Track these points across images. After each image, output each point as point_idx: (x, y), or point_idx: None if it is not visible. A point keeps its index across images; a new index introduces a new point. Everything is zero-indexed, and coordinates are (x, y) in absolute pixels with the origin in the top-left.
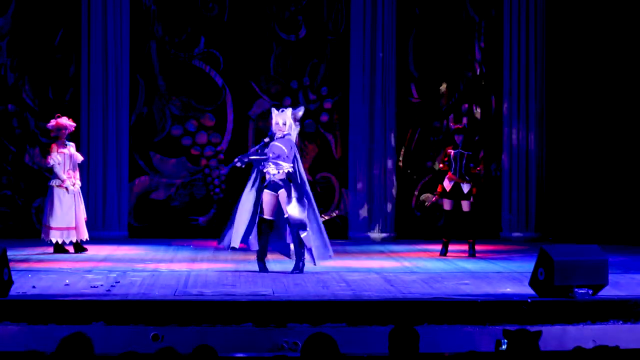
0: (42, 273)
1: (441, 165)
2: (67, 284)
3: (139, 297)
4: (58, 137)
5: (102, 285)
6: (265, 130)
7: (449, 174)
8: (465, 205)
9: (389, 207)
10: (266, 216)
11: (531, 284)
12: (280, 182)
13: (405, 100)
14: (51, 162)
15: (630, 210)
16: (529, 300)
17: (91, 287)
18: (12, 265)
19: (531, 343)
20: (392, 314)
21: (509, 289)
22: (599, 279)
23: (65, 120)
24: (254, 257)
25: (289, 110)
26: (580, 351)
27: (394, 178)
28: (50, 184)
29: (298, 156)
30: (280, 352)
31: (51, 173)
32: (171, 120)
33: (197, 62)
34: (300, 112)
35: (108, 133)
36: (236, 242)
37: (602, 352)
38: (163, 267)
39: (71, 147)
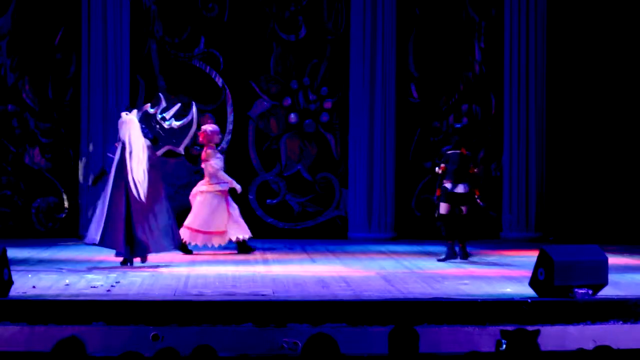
0: (42, 273)
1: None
2: (67, 284)
3: (139, 297)
4: (210, 142)
5: (102, 285)
6: (265, 131)
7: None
8: (463, 208)
9: (389, 207)
10: None
11: (531, 284)
12: None
13: (405, 100)
14: (216, 167)
15: (630, 210)
16: (529, 300)
17: (91, 287)
18: (11, 265)
19: (530, 342)
20: (392, 314)
21: (509, 289)
22: (599, 279)
23: (217, 126)
24: (253, 257)
25: (124, 115)
26: (581, 352)
27: (394, 178)
28: (213, 189)
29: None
30: (280, 352)
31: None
32: None
33: (197, 62)
34: (142, 110)
35: (108, 133)
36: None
37: (602, 353)
38: (163, 267)
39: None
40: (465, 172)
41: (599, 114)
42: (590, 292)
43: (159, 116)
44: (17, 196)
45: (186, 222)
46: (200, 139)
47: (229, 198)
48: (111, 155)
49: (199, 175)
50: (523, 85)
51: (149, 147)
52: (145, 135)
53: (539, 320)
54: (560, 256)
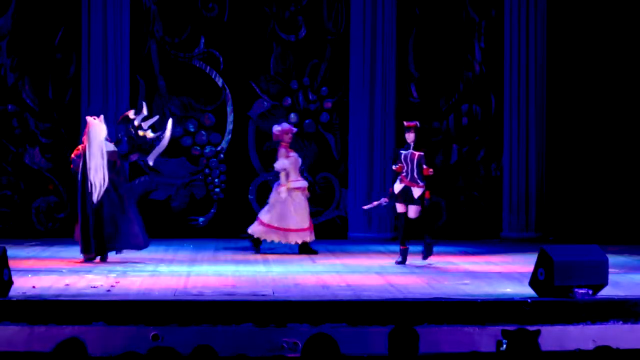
0: (42, 273)
1: (397, 166)
2: (67, 284)
3: (139, 297)
4: (282, 141)
5: (102, 285)
6: (265, 131)
7: (402, 176)
8: (412, 211)
9: (389, 207)
10: None
11: (531, 284)
12: None
13: (405, 100)
14: (278, 167)
15: (630, 210)
16: (529, 300)
17: (91, 287)
18: (11, 265)
19: (531, 342)
20: (392, 314)
21: (509, 289)
22: (599, 279)
23: (288, 125)
24: (254, 257)
25: (89, 119)
26: (581, 353)
27: (394, 178)
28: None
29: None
30: (280, 352)
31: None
32: None
33: (197, 62)
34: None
35: (108, 134)
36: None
37: (602, 353)
38: (163, 267)
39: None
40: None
41: (599, 114)
42: (590, 292)
43: (136, 123)
44: (17, 196)
45: (263, 219)
46: (273, 138)
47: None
48: (76, 158)
49: (201, 175)
50: (523, 85)
51: (112, 152)
52: (119, 140)
53: (539, 320)
54: (560, 256)
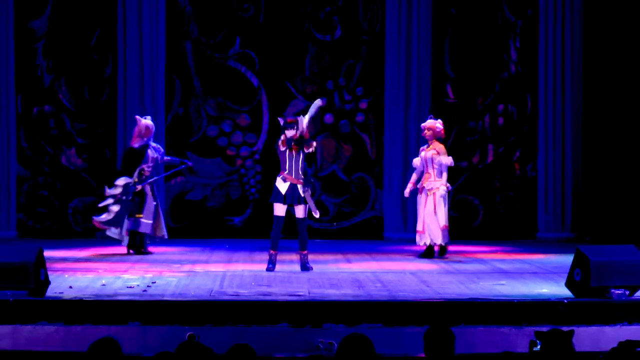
0: (79, 273)
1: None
2: (103, 285)
3: (175, 297)
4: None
5: (138, 285)
6: None
7: (284, 174)
8: (299, 211)
9: None
10: None
11: (567, 284)
12: None
13: (440, 101)
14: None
15: None
16: (565, 301)
17: (127, 287)
18: (48, 265)
19: (564, 343)
20: (427, 314)
21: (545, 289)
22: (636, 279)
23: (425, 122)
24: (289, 257)
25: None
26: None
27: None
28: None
29: None
30: (316, 352)
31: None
32: (207, 121)
33: (232, 63)
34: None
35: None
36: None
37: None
38: (199, 267)
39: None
40: None
41: (636, 114)
42: (627, 292)
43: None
44: (53, 197)
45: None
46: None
47: (431, 198)
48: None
49: (237, 175)
50: (559, 85)
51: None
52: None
53: (575, 321)
54: (596, 256)
